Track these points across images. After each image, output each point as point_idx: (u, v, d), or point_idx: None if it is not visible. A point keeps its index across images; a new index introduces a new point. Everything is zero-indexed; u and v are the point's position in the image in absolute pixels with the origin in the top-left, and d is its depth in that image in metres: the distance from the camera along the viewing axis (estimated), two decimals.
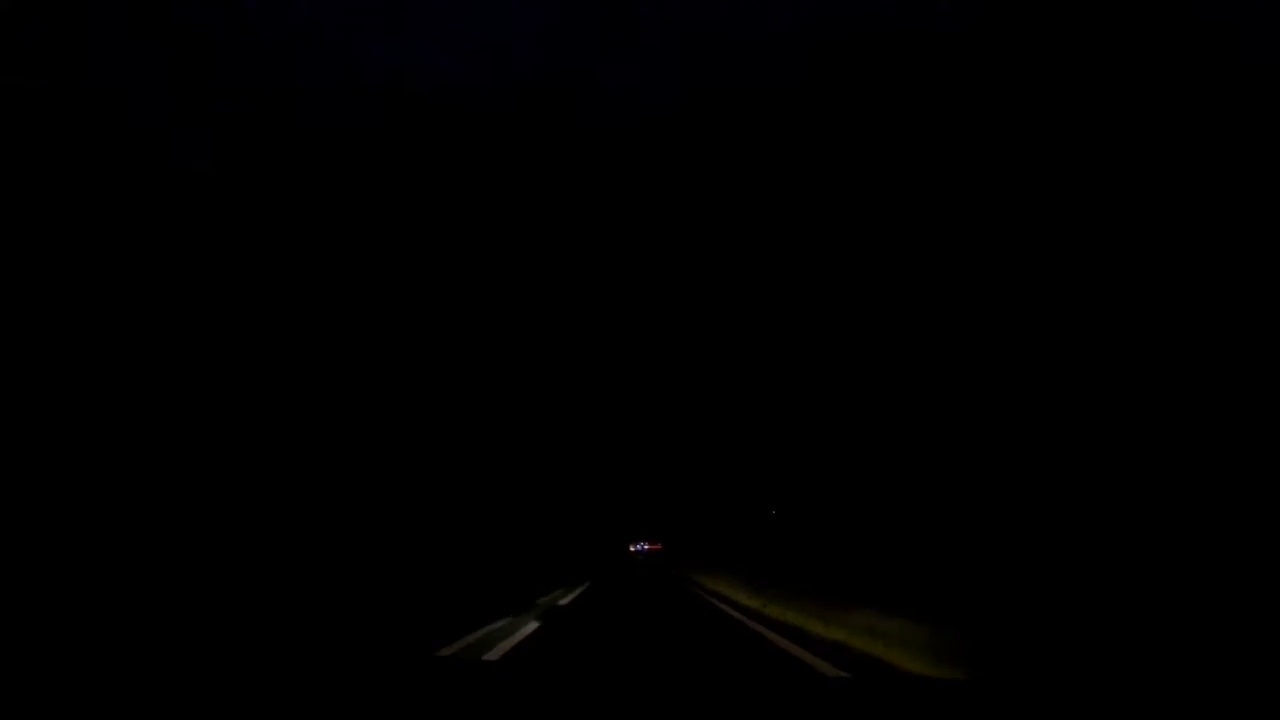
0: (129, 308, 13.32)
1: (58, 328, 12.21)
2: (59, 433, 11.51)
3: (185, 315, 14.13)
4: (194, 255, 14.49)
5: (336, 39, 14.70)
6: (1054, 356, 12.49)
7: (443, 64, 15.48)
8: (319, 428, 17.81)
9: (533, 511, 41.90)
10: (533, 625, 8.29)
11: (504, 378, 28.74)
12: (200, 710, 1.98)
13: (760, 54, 15.51)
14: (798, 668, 5.20)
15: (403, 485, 22.36)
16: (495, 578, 19.52)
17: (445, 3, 14.84)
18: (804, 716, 2.24)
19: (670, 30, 15.43)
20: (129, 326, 13.24)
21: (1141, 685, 3.73)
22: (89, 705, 1.90)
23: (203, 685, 2.29)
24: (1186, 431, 10.20)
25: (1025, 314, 12.90)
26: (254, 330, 15.39)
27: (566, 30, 15.33)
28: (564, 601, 12.11)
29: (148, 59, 13.58)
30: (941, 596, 8.51)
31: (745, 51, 15.32)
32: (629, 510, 50.54)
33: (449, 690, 2.42)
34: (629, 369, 33.06)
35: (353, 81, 15.08)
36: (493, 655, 6.39)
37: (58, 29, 12.22)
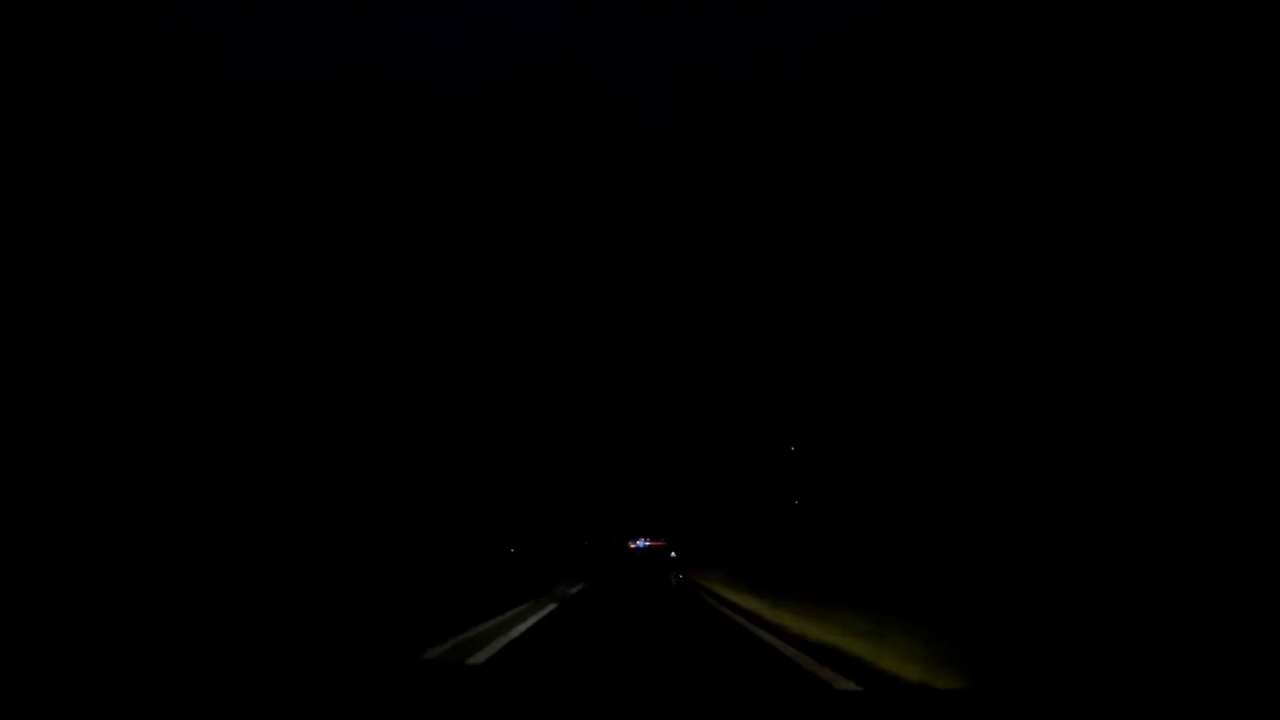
0: (128, 307, 13.28)
1: (59, 327, 12.17)
2: (58, 433, 11.50)
3: (185, 315, 14.07)
4: (194, 255, 14.42)
5: (337, 34, 14.62)
6: (1051, 365, 12.50)
7: (441, 60, 15.40)
8: (321, 429, 17.74)
9: (529, 507, 40.28)
10: (524, 627, 8.24)
11: (506, 370, 28.50)
12: (203, 707, 1.98)
13: (759, 57, 15.47)
14: (806, 679, 5.21)
15: (399, 483, 22.21)
16: (484, 580, 19.07)
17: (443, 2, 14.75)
18: None
19: (670, 32, 15.37)
20: (129, 327, 13.20)
21: (1140, 690, 3.74)
22: (82, 705, 1.90)
23: (212, 680, 2.30)
24: (1182, 438, 10.21)
25: (1026, 320, 12.91)
26: (253, 330, 15.34)
27: (564, 30, 15.26)
28: (532, 622, 9.20)
29: (144, 54, 13.51)
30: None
31: (745, 54, 15.30)
32: (630, 507, 49.47)
33: (435, 696, 2.42)
34: (633, 367, 32.74)
35: (352, 78, 15.00)
36: (479, 658, 6.35)
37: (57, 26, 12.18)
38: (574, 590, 15.56)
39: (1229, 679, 3.90)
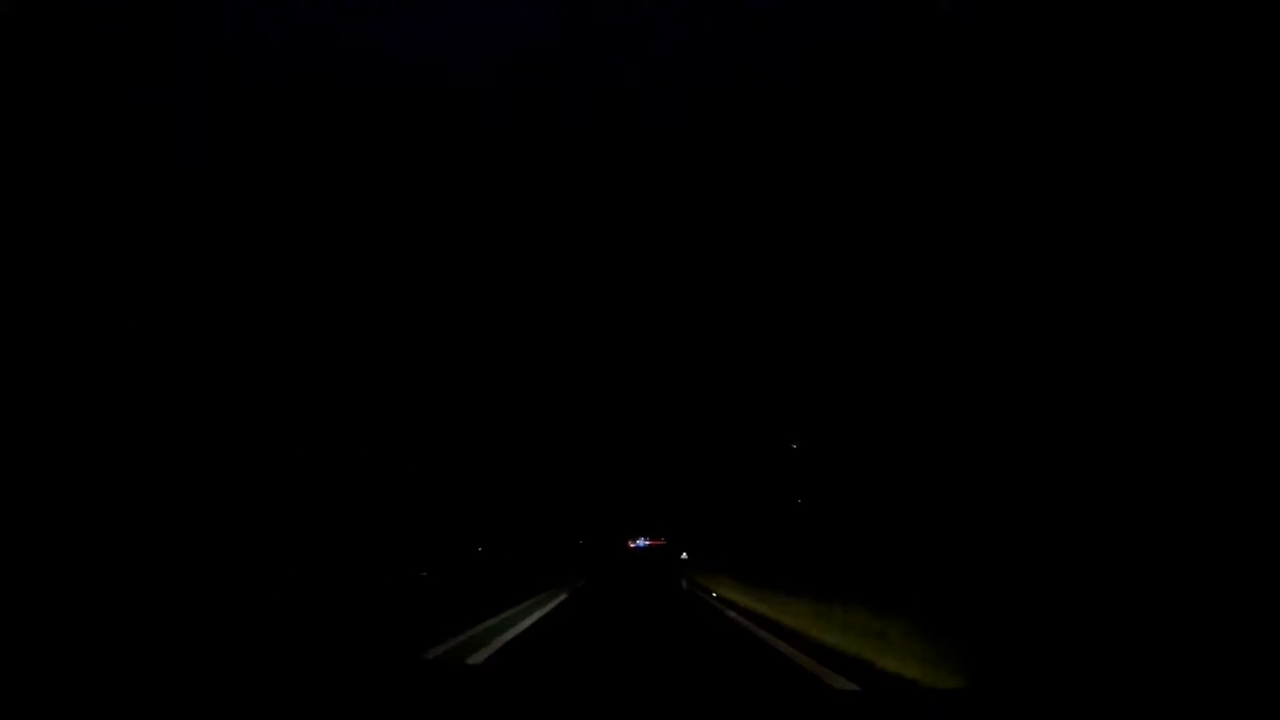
0: (127, 307, 13.30)
1: (57, 327, 12.20)
2: (60, 434, 11.52)
3: (183, 315, 14.10)
4: (191, 254, 14.43)
5: (335, 30, 14.62)
6: (1053, 363, 12.50)
7: (438, 58, 15.39)
8: (319, 427, 17.73)
9: (522, 505, 38.05)
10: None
11: (503, 365, 28.18)
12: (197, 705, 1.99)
13: (759, 57, 15.48)
14: (806, 679, 5.22)
15: (393, 480, 21.89)
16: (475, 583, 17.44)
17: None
18: None
19: (670, 33, 15.39)
20: (127, 326, 13.22)
21: (1140, 691, 3.75)
22: (93, 705, 1.91)
23: (200, 681, 2.31)
24: (1183, 438, 10.22)
25: (1030, 320, 12.90)
26: (253, 331, 15.34)
27: (565, 27, 15.27)
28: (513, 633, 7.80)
29: (145, 54, 13.49)
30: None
31: (745, 54, 15.29)
32: (630, 505, 48.23)
33: (435, 693, 2.43)
34: (632, 366, 32.44)
35: (347, 75, 15.00)
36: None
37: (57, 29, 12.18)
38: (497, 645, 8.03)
39: (1228, 678, 3.91)
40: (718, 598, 14.36)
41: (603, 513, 48.01)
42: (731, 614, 10.89)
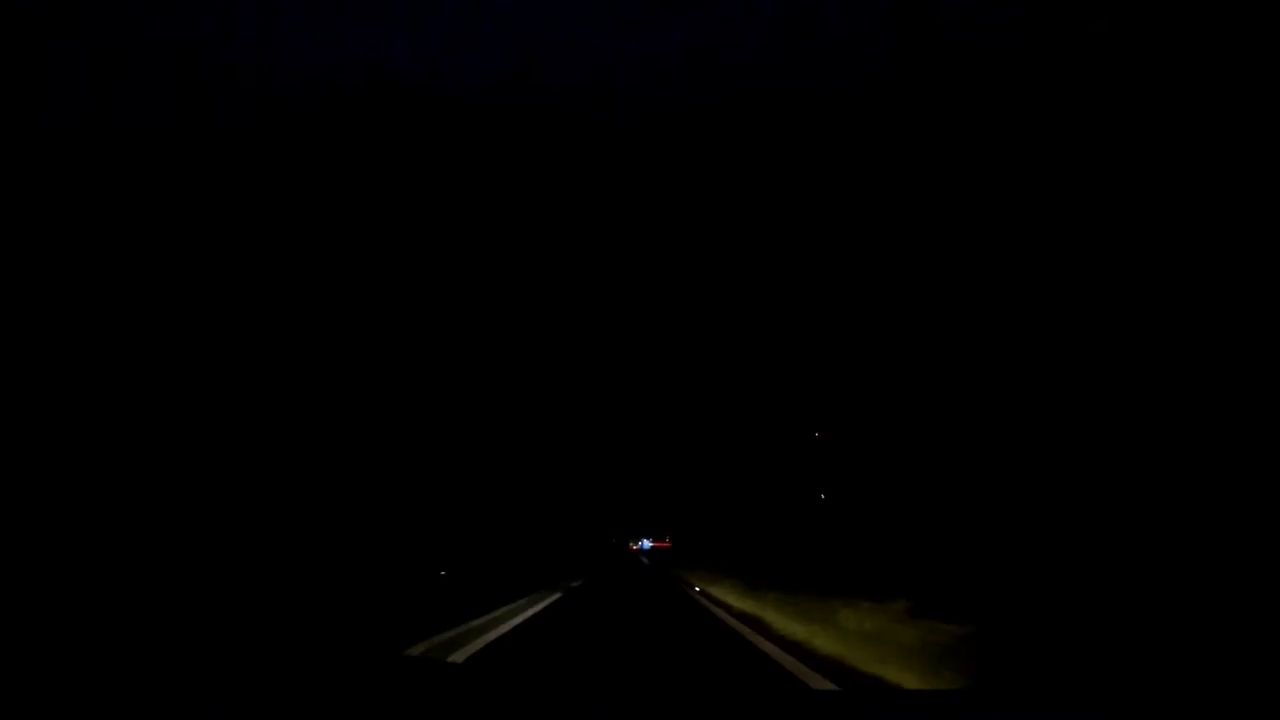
0: (125, 306, 13.38)
1: (54, 325, 12.26)
2: (60, 431, 11.56)
3: (183, 314, 14.18)
4: (192, 254, 14.52)
5: (332, 32, 14.67)
6: (1053, 361, 12.40)
7: (438, 58, 15.42)
8: (318, 427, 17.76)
9: (519, 503, 35.89)
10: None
11: (507, 364, 27.87)
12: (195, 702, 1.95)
13: (775, 54, 15.47)
14: (784, 678, 5.21)
15: (395, 486, 21.57)
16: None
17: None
18: None
19: (675, 37, 15.39)
20: (125, 325, 13.30)
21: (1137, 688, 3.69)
22: (61, 699, 1.88)
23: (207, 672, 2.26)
24: (1182, 434, 10.13)
25: (1030, 317, 12.81)
26: (249, 329, 15.41)
27: (569, 29, 15.27)
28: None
29: (141, 56, 13.60)
30: None
31: (758, 51, 15.29)
32: (633, 504, 45.94)
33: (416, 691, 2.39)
34: (633, 357, 31.97)
35: (344, 77, 15.04)
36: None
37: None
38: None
39: (1229, 677, 3.85)
40: (724, 605, 14.21)
41: (603, 513, 46.33)
42: (722, 613, 10.83)
